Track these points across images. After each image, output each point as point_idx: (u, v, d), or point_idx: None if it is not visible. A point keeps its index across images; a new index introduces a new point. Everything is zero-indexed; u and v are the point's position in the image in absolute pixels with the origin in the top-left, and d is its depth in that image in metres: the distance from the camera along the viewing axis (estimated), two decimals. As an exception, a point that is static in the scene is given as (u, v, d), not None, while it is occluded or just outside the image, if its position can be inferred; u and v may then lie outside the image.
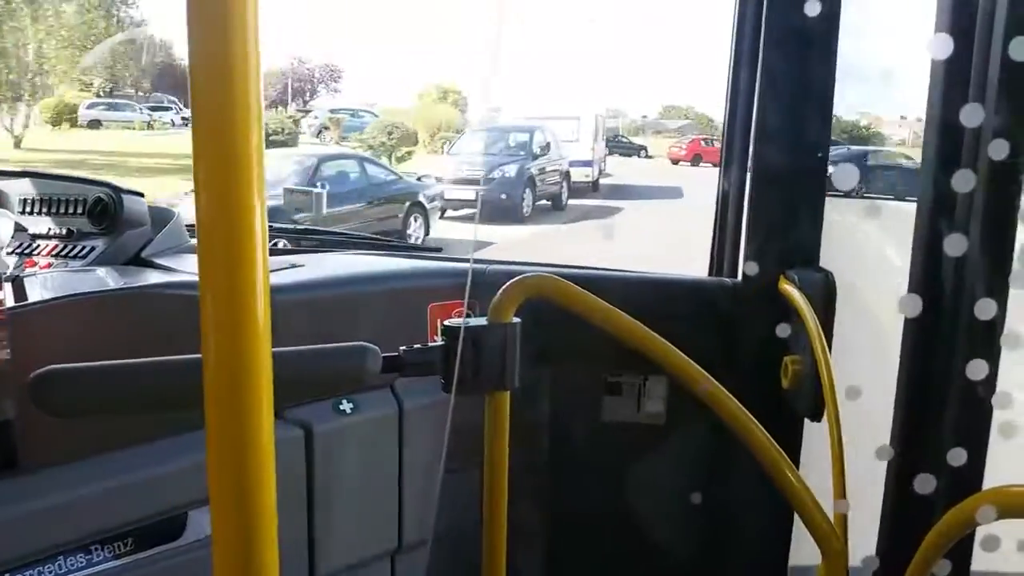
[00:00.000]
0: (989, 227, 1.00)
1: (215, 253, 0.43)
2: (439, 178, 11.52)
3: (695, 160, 21.57)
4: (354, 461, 1.39)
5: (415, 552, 1.47)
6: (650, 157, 23.41)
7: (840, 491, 1.10)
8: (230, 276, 0.43)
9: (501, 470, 1.02)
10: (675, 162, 21.98)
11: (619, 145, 22.99)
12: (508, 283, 1.00)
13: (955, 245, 1.01)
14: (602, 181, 16.15)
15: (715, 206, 1.68)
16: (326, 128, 19.84)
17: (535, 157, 13.13)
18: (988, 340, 0.99)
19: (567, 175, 13.79)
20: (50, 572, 1.06)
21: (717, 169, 1.67)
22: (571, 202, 13.68)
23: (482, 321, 0.99)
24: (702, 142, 22.54)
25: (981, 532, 0.88)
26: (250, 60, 0.43)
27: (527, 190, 12.49)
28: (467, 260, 1.75)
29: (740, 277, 1.57)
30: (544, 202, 13.26)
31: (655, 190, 16.04)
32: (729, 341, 1.49)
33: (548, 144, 13.62)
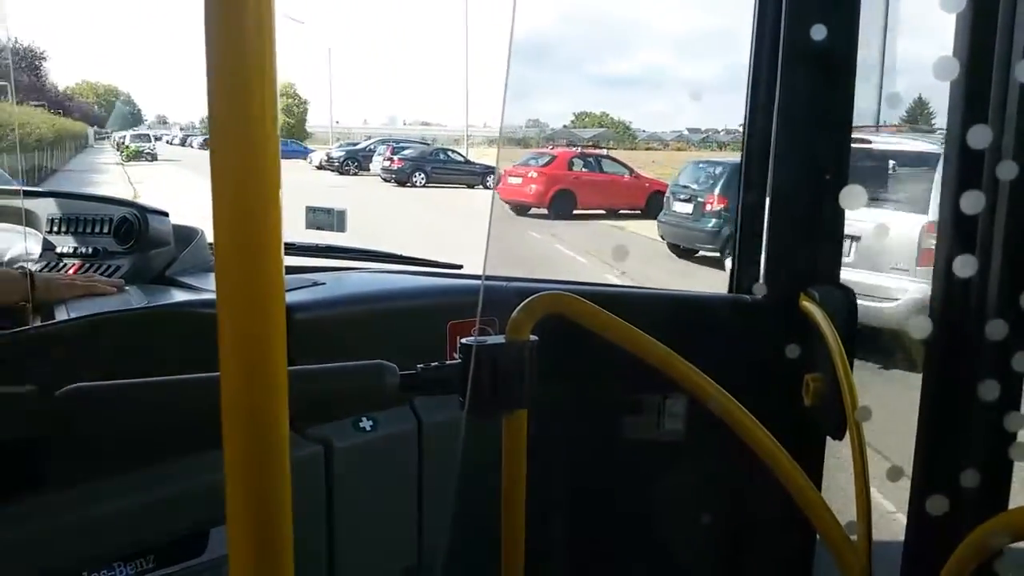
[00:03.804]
0: (999, 248, 1.00)
1: (233, 272, 0.44)
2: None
3: (560, 203, 15.17)
4: (374, 478, 1.39)
5: (434, 569, 1.46)
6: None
7: (863, 511, 1.09)
8: (247, 294, 0.44)
9: (519, 488, 1.02)
10: (519, 208, 15.05)
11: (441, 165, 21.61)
12: (525, 301, 1.00)
13: (965, 266, 1.01)
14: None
15: (735, 223, 1.67)
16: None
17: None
18: (1000, 361, 0.98)
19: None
20: None
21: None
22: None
23: (499, 339, 0.99)
24: (581, 162, 16.03)
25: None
26: (266, 77, 0.44)
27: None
28: (487, 277, 1.75)
29: (760, 294, 1.56)
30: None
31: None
32: (749, 359, 1.48)
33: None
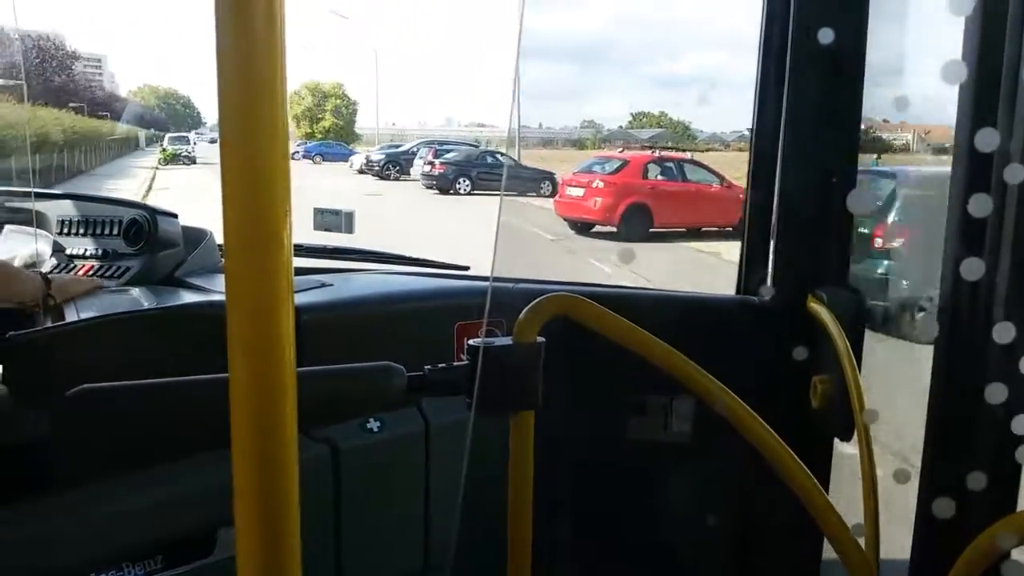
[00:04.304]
0: (1007, 251, 1.00)
1: (242, 273, 0.44)
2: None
3: (634, 221, 11.30)
4: (381, 480, 1.40)
5: (440, 571, 1.47)
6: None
7: (871, 513, 1.08)
8: (256, 295, 0.44)
9: (526, 490, 1.02)
10: (581, 226, 12.00)
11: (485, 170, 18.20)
12: (533, 302, 1.00)
13: (972, 269, 1.01)
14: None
15: (742, 224, 1.67)
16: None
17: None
18: (1007, 364, 0.98)
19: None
20: None
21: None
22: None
23: (507, 340, 0.99)
24: (658, 168, 12.26)
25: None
26: (276, 80, 0.44)
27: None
28: (495, 279, 1.75)
29: (767, 296, 1.56)
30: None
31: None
32: (756, 361, 1.48)
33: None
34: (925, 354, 1.11)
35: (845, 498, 1.12)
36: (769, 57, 1.53)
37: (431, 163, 19.18)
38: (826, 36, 1.25)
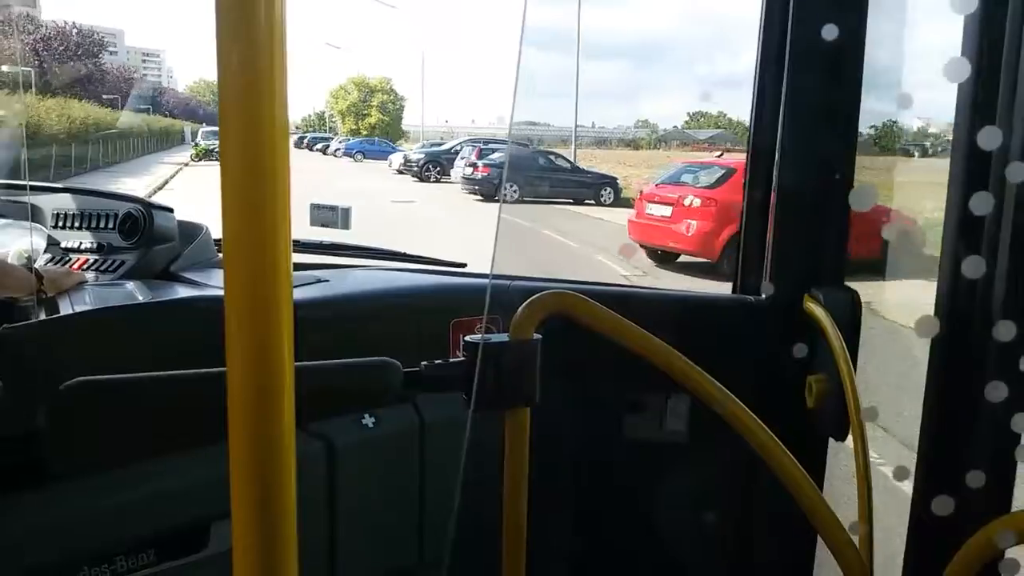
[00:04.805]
0: (1008, 249, 1.00)
1: (240, 268, 0.44)
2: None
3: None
4: (375, 475, 1.39)
5: (435, 567, 1.47)
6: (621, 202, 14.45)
7: (865, 513, 1.09)
8: (255, 290, 0.44)
9: (521, 486, 1.02)
10: (662, 255, 9.02)
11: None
12: (530, 300, 1.00)
13: (974, 267, 1.01)
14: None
15: (739, 224, 1.67)
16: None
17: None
18: (1008, 362, 0.98)
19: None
20: None
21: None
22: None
23: (503, 337, 0.99)
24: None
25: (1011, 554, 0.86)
26: (276, 77, 0.44)
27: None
28: (490, 276, 1.75)
29: (764, 295, 1.56)
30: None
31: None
32: (752, 359, 1.48)
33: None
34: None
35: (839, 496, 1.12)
36: (768, 54, 1.53)
37: (473, 164, 16.33)
38: (826, 33, 1.25)
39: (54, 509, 1.06)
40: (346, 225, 2.06)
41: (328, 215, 2.05)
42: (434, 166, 20.40)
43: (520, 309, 1.00)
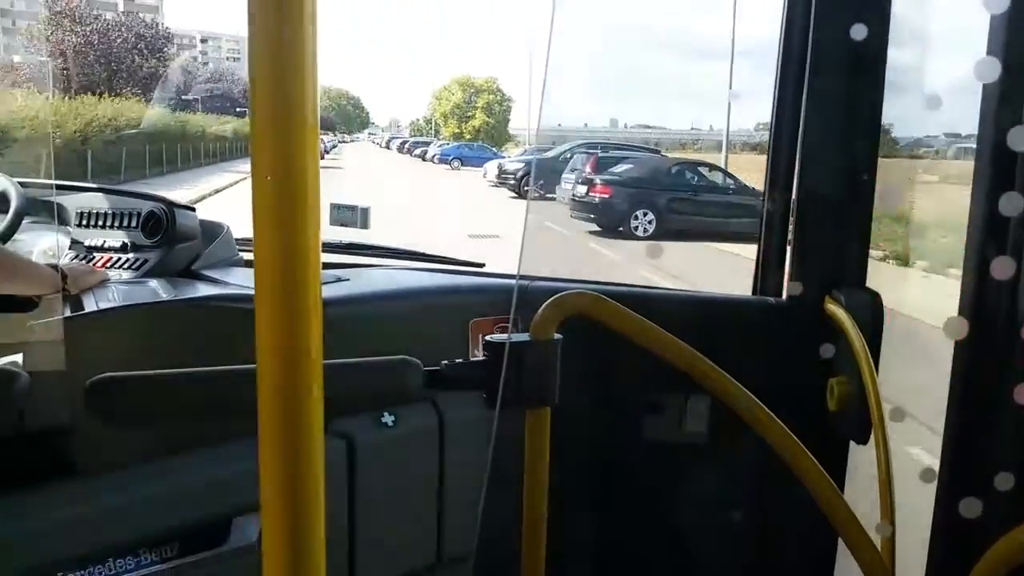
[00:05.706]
0: None
1: (271, 268, 0.45)
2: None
3: None
4: (395, 474, 1.40)
5: (454, 566, 1.47)
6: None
7: (887, 515, 1.08)
8: (285, 291, 0.45)
9: (541, 486, 1.02)
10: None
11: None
12: (550, 300, 1.00)
13: (1003, 268, 1.00)
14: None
15: (759, 226, 1.67)
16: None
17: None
18: None
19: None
20: (100, 574, 1.08)
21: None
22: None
23: (524, 337, 0.99)
24: None
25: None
26: (307, 81, 0.44)
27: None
28: (508, 276, 1.76)
29: (785, 297, 1.55)
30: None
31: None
32: (773, 361, 1.47)
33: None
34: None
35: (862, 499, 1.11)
36: (789, 55, 1.52)
37: (588, 180, 11.07)
38: (847, 35, 1.24)
39: (81, 503, 1.08)
40: (365, 225, 2.07)
41: (348, 215, 2.06)
42: (537, 179, 14.76)
43: (541, 309, 1.00)
